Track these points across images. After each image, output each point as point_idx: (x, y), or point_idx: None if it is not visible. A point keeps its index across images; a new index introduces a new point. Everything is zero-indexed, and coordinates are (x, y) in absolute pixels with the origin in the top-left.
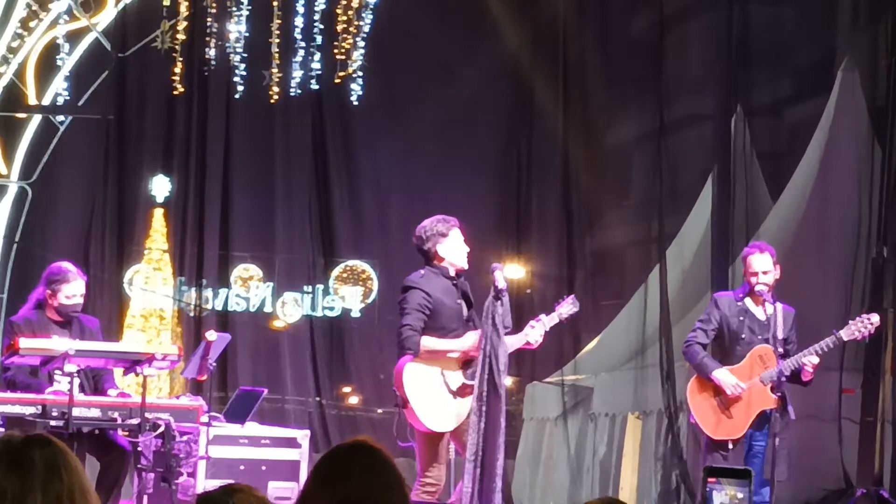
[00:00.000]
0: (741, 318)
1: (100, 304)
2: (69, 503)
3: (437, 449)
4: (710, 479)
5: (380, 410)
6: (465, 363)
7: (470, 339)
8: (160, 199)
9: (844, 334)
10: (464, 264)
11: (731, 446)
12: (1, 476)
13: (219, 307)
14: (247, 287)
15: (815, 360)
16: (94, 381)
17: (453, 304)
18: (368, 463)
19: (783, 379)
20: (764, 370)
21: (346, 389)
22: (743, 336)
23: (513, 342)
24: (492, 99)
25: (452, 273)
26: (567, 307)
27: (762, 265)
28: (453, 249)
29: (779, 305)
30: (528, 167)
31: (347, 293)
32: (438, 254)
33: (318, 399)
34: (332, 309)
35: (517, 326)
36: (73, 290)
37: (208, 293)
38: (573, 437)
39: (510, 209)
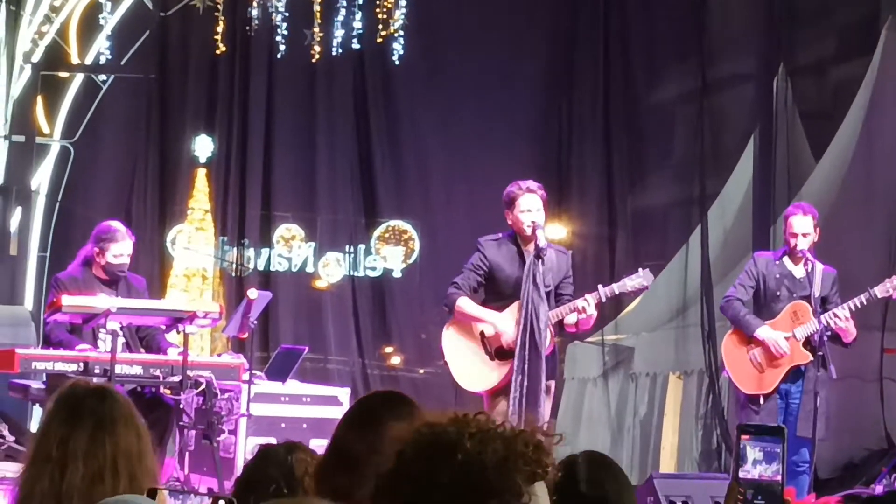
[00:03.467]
0: (778, 276)
1: (143, 264)
2: (111, 456)
3: (493, 411)
4: (743, 436)
5: (421, 371)
6: (498, 349)
7: (506, 323)
8: (203, 160)
9: (878, 291)
10: (525, 234)
11: (762, 401)
12: (59, 423)
13: (261, 267)
14: (289, 247)
15: (846, 313)
16: (147, 341)
17: (513, 272)
18: (401, 409)
19: (820, 336)
20: (797, 326)
21: (388, 349)
22: (779, 294)
23: (561, 311)
24: (533, 59)
25: (524, 240)
26: (635, 280)
27: (802, 227)
28: (515, 218)
29: (818, 265)
30: (570, 127)
31: (389, 253)
32: (507, 220)
33: (360, 359)
34: (373, 269)
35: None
36: (120, 250)
37: (250, 253)
38: (614, 397)
39: (551, 169)
